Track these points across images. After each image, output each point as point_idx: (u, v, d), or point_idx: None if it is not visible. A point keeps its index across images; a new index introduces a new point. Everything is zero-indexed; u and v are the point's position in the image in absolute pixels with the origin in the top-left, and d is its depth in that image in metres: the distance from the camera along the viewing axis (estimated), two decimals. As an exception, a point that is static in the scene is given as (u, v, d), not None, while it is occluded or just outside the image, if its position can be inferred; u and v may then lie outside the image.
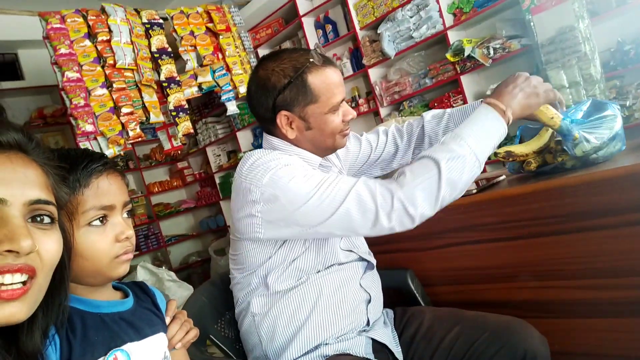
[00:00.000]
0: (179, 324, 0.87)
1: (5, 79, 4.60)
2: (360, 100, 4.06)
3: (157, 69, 3.24)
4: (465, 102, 3.37)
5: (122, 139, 3.03)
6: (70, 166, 0.74)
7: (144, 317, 0.82)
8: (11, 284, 0.54)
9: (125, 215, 0.81)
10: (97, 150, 3.05)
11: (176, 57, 3.35)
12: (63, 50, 2.92)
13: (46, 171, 0.64)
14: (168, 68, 3.26)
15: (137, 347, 0.76)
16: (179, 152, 5.43)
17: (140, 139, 3.09)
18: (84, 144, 2.99)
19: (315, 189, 0.93)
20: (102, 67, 3.01)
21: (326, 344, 1.06)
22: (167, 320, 0.87)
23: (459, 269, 1.30)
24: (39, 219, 0.59)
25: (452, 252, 1.28)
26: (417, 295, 1.29)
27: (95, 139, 3.03)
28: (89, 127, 2.97)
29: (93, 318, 0.74)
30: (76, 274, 0.75)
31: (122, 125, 3.03)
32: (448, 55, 3.33)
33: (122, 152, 3.08)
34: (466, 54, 3.21)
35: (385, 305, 1.21)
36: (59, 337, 0.68)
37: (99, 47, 3.00)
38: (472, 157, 0.91)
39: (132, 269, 3.81)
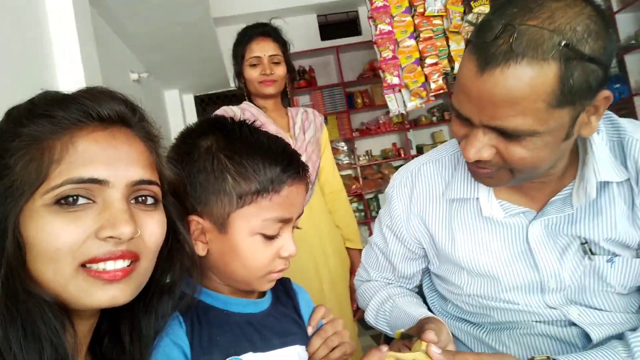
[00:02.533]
0: (322, 338, 0.72)
1: (348, 35, 5.19)
2: None
3: (468, 12, 2.95)
4: None
5: (424, 91, 2.96)
6: (268, 161, 0.66)
7: (277, 324, 0.70)
8: (114, 269, 0.51)
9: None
10: (400, 102, 3.09)
11: (492, -3, 2.96)
12: (378, 4, 3.00)
13: (149, 147, 0.58)
14: (481, 10, 2.91)
15: (259, 358, 0.65)
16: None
17: (441, 91, 2.94)
18: (389, 97, 3.07)
19: None
20: (412, 16, 2.96)
21: None
22: (309, 331, 0.73)
23: None
24: (141, 199, 0.55)
25: None
26: None
27: (399, 91, 3.06)
28: (395, 80, 3.01)
29: (218, 315, 0.67)
30: (225, 273, 0.70)
31: (425, 77, 2.94)
32: None
33: (423, 105, 3.01)
34: None
35: None
36: (187, 329, 0.64)
37: (410, -4, 2.94)
38: None
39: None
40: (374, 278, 1.09)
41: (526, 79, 0.62)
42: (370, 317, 1.04)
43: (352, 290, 1.66)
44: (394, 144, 5.22)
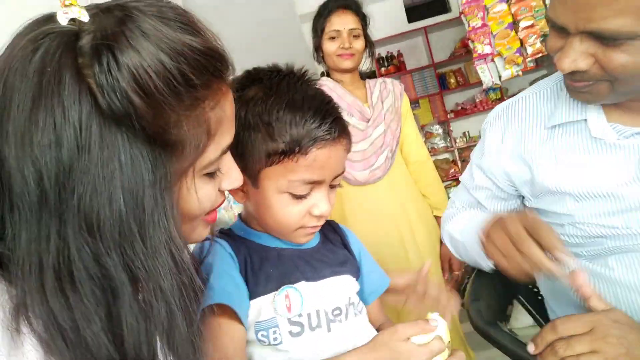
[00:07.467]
0: None
1: (436, 13, 4.99)
2: None
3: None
4: None
5: (519, 57, 2.74)
6: (295, 121, 0.64)
7: (327, 257, 0.74)
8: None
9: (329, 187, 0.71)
10: (494, 72, 2.89)
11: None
12: (465, -29, 2.85)
13: None
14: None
15: (312, 287, 0.69)
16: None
17: (540, 55, 2.70)
18: (481, 67, 2.91)
19: None
20: (501, -21, 2.76)
21: None
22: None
23: None
24: None
25: None
26: None
27: (492, 60, 2.88)
28: (487, 49, 2.84)
29: (270, 252, 0.71)
30: (262, 223, 0.73)
31: (520, 41, 2.73)
32: None
33: (520, 73, 2.79)
34: None
35: None
36: (240, 266, 0.68)
37: (498, -44, 2.75)
38: None
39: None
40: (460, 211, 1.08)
41: None
42: (445, 238, 1.07)
43: (442, 260, 1.59)
44: (493, 123, 4.91)
